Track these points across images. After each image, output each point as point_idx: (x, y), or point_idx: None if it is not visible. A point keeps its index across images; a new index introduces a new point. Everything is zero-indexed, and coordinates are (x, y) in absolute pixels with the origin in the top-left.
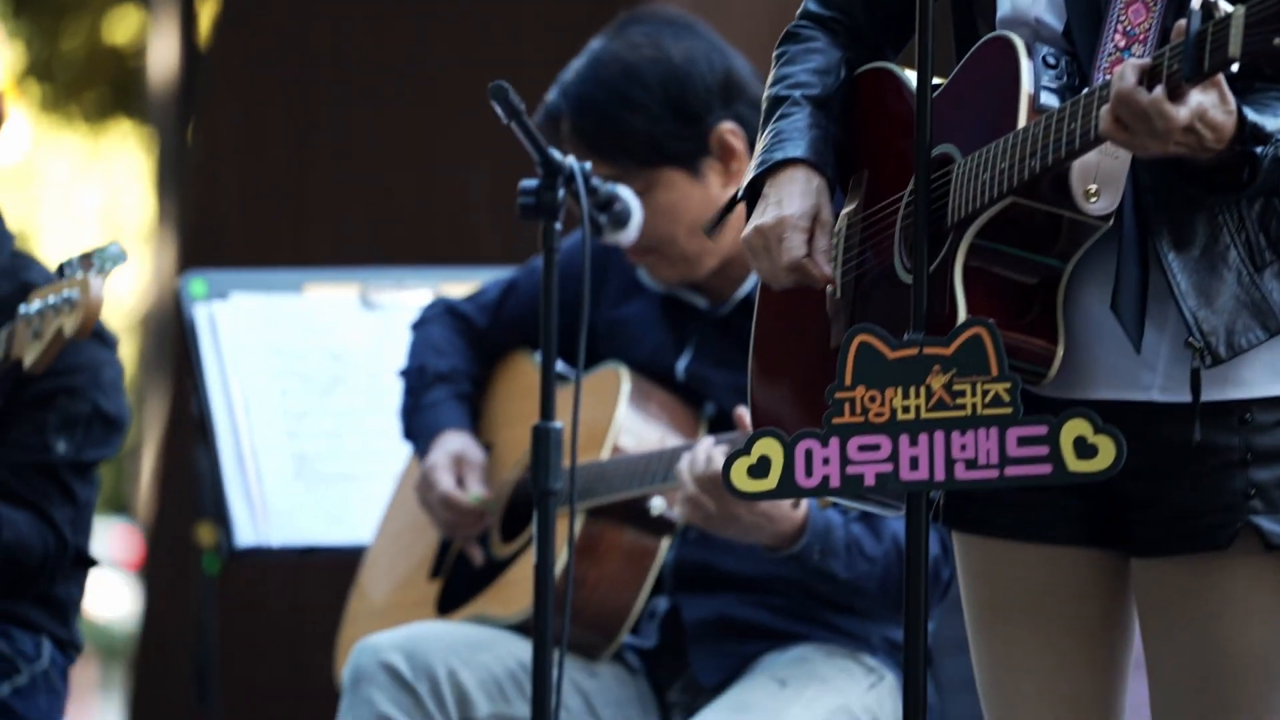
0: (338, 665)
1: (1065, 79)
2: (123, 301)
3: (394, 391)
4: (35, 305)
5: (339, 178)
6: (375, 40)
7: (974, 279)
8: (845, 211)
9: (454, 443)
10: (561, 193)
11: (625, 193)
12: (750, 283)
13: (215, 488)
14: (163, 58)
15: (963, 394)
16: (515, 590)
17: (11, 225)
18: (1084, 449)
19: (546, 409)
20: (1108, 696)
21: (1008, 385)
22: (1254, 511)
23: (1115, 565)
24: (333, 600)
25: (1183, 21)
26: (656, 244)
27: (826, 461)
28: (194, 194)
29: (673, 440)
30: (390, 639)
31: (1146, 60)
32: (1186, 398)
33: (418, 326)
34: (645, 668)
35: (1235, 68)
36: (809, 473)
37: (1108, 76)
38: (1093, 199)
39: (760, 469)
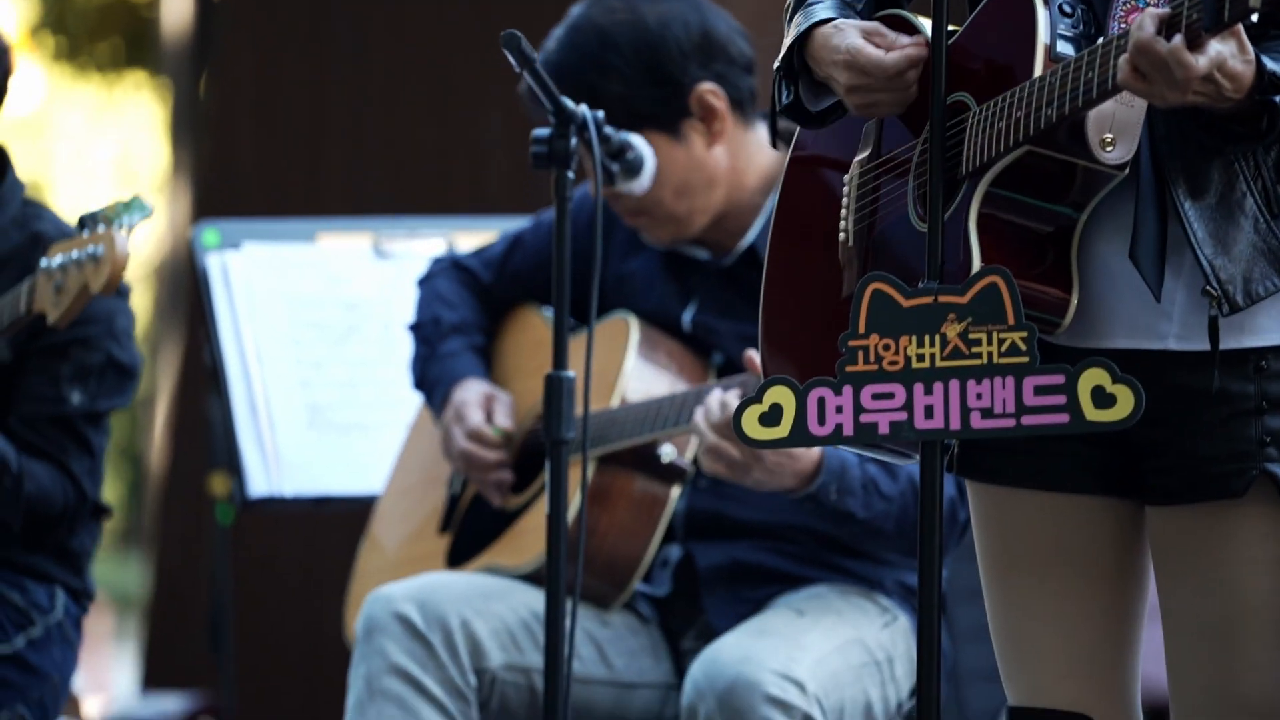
0: (349, 617)
1: (1081, 28)
2: (137, 251)
3: (407, 341)
4: (58, 259)
5: (353, 127)
6: None
7: (988, 227)
8: (857, 159)
9: (482, 385)
10: (574, 141)
11: (638, 140)
12: (753, 233)
13: (228, 438)
14: (176, 8)
15: (978, 343)
16: (526, 539)
17: (25, 176)
18: (1102, 398)
19: (559, 358)
20: (1123, 645)
21: (1024, 334)
22: (1269, 459)
23: (1130, 513)
24: (346, 550)
25: None
26: (645, 206)
27: (840, 410)
28: (208, 144)
29: (682, 387)
30: (403, 589)
31: (1165, 10)
32: (1203, 346)
33: (424, 281)
34: (658, 616)
35: (1255, 18)
36: (821, 421)
37: (1124, 26)
38: (1109, 148)
39: (772, 417)
